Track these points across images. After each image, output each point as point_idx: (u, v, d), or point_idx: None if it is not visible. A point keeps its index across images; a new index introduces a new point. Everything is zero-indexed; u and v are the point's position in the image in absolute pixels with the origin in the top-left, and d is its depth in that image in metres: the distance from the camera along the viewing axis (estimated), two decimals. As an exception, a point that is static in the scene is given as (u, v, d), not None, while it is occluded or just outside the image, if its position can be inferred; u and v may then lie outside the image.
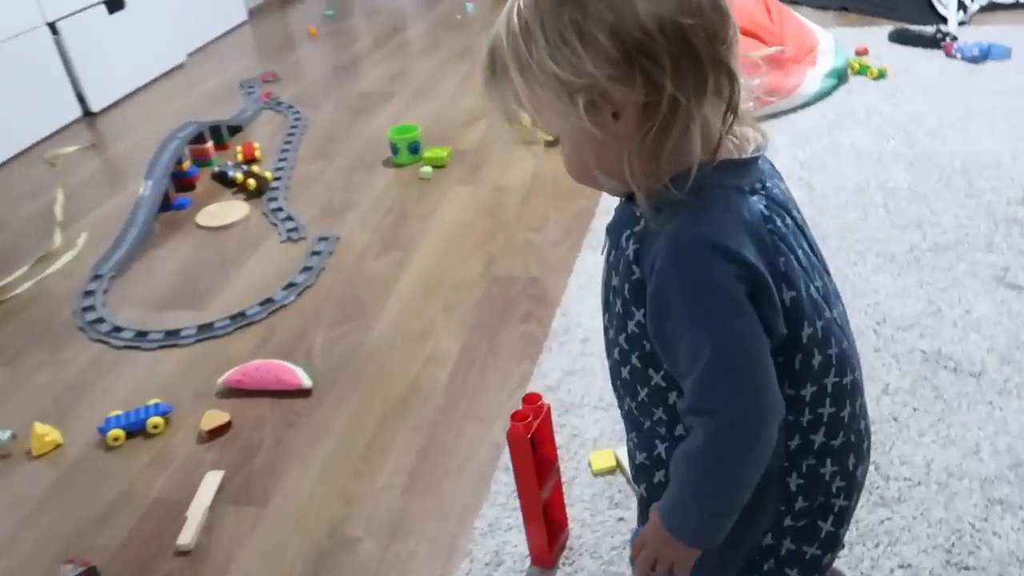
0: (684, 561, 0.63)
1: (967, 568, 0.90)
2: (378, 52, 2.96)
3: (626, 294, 0.61)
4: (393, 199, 1.88)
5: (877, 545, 0.94)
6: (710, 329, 0.56)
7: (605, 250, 0.66)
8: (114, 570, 1.04)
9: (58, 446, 1.26)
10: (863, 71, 2.21)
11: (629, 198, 0.62)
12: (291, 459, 1.19)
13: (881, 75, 2.19)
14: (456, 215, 1.79)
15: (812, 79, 2.09)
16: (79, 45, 2.52)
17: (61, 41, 2.48)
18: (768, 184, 0.62)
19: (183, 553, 1.05)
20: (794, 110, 2.04)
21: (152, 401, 1.29)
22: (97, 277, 1.68)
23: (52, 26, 2.46)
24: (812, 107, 2.06)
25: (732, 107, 0.57)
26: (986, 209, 1.55)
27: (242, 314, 1.51)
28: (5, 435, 1.26)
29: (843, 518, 0.68)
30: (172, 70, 2.94)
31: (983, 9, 2.65)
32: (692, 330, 0.56)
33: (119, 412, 1.27)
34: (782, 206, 0.61)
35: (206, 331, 1.48)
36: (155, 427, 1.25)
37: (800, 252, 0.60)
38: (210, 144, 2.14)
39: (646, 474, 0.68)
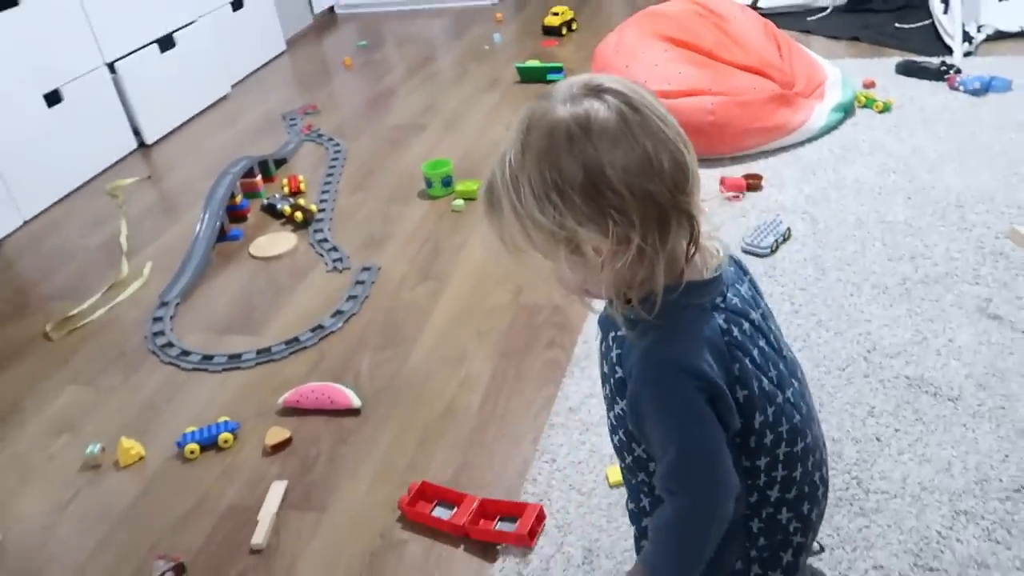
0: None
1: (932, 570, 1.04)
2: (410, 82, 3.14)
3: (612, 384, 0.76)
4: (428, 231, 2.05)
5: (855, 549, 1.08)
6: (675, 434, 0.70)
7: (599, 340, 0.80)
8: (198, 566, 1.21)
9: (141, 458, 1.44)
10: (869, 104, 2.34)
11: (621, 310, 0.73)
12: (344, 471, 1.35)
13: (886, 108, 2.32)
14: (487, 248, 1.95)
15: (819, 114, 2.23)
16: (134, 82, 2.73)
17: (118, 79, 2.69)
18: (729, 295, 0.74)
19: (256, 552, 1.22)
20: (802, 144, 2.18)
21: (221, 419, 1.47)
22: (164, 304, 1.86)
23: (111, 66, 2.67)
24: (819, 140, 2.19)
25: (694, 240, 0.69)
26: (976, 242, 1.68)
27: (296, 339, 1.68)
28: (96, 448, 1.44)
29: (801, 550, 0.81)
30: (218, 101, 3.14)
31: (990, 39, 2.77)
32: (661, 432, 0.70)
33: (194, 428, 1.45)
34: (740, 314, 0.73)
35: (264, 355, 1.65)
36: (225, 442, 1.42)
37: (755, 351, 0.73)
38: (259, 177, 2.33)
39: (635, 519, 0.84)
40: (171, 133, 2.89)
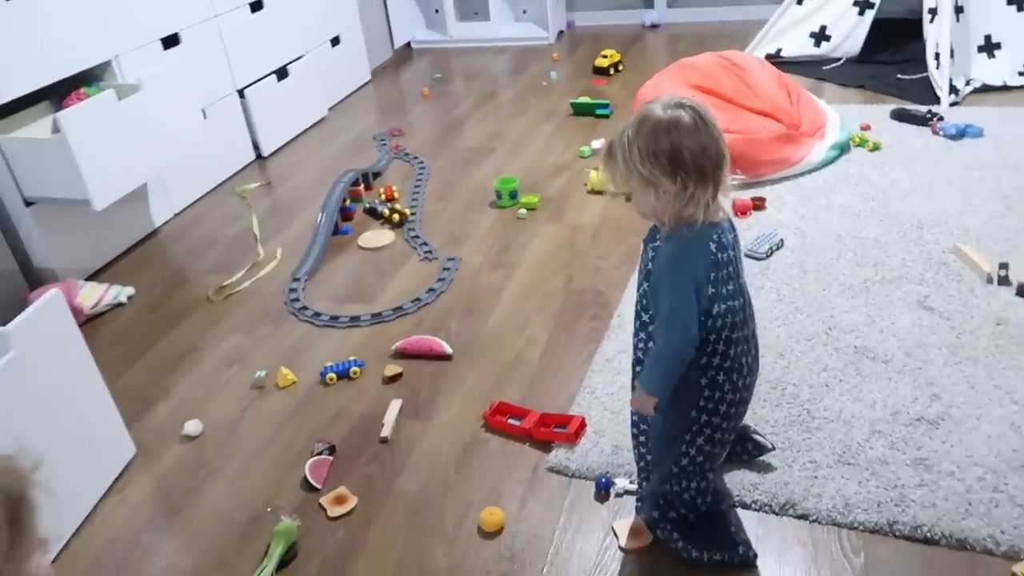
0: (648, 405, 1.28)
1: (848, 464, 1.53)
2: (478, 113, 3.70)
3: (644, 278, 1.28)
4: (498, 233, 2.59)
5: (799, 451, 1.57)
6: (671, 298, 1.20)
7: (642, 253, 1.31)
8: (344, 449, 1.75)
9: (294, 382, 1.99)
10: (862, 144, 2.84)
11: (657, 227, 1.26)
12: (443, 395, 1.88)
13: (876, 148, 2.81)
14: (544, 246, 2.48)
15: (819, 151, 2.73)
16: (257, 105, 3.33)
17: (246, 103, 3.30)
18: (722, 235, 1.24)
19: (383, 442, 1.76)
20: (802, 175, 2.68)
21: (350, 358, 2.01)
22: (296, 279, 2.43)
23: (241, 92, 3.28)
24: (817, 173, 2.69)
25: (715, 195, 1.19)
26: (927, 255, 2.17)
27: (400, 307, 2.23)
28: (262, 373, 2.00)
29: (732, 407, 1.29)
30: (318, 122, 3.75)
31: (976, 91, 3.24)
32: (664, 294, 1.21)
33: (330, 363, 2.00)
34: (724, 248, 1.23)
35: (377, 318, 2.20)
36: (354, 373, 1.97)
37: (725, 271, 1.23)
38: (361, 187, 2.90)
39: (635, 366, 1.35)
40: (282, 148, 3.50)
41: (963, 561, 1.36)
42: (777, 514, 1.48)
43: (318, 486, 1.66)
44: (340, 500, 1.62)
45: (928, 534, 1.40)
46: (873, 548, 1.40)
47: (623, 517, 1.50)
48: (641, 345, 1.33)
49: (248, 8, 3.28)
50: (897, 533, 1.41)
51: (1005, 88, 3.23)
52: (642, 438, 1.41)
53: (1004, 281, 2.00)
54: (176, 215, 2.96)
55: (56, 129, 2.47)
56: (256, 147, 3.39)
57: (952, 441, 1.57)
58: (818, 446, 1.59)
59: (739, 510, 1.48)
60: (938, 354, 1.80)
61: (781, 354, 1.85)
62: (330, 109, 3.88)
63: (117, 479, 1.75)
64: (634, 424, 1.42)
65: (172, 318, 2.33)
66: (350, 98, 4.07)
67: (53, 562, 1.54)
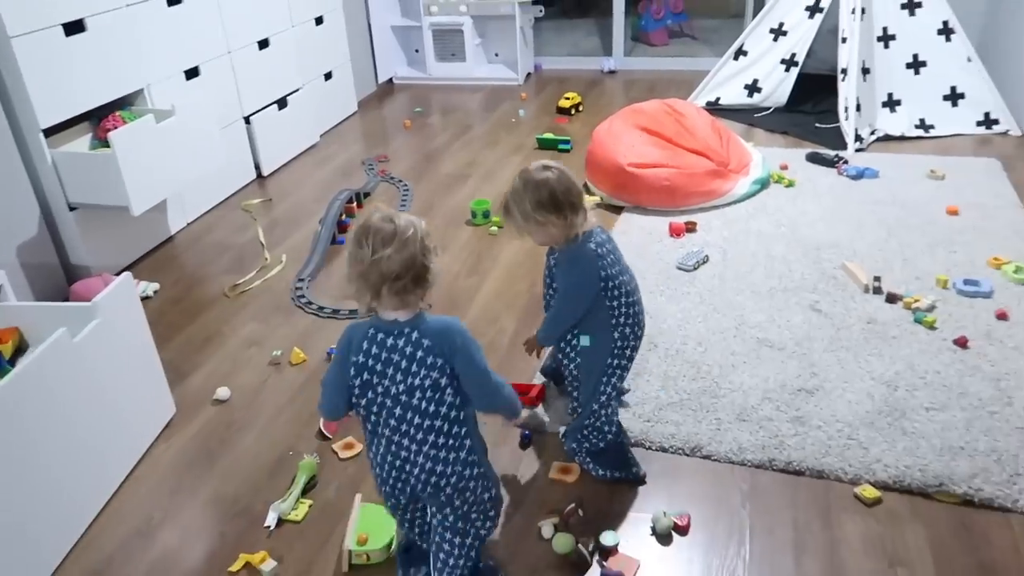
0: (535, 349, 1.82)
1: (744, 420, 2.01)
2: (455, 143, 4.18)
3: (549, 278, 1.77)
4: (473, 246, 3.05)
5: (707, 412, 2.04)
6: (564, 282, 1.72)
7: (546, 260, 1.80)
8: (351, 409, 2.17)
9: (304, 361, 2.41)
10: (780, 180, 3.38)
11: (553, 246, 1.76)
12: (428, 372, 2.32)
13: (791, 184, 3.35)
14: (512, 257, 2.95)
15: (743, 185, 3.26)
16: (260, 131, 3.76)
17: (251, 129, 3.73)
18: (595, 236, 1.72)
19: (382, 404, 2.18)
20: (728, 204, 3.20)
21: (352, 341, 2.44)
22: (300, 280, 2.86)
23: (247, 119, 3.72)
24: (740, 203, 3.21)
25: (584, 217, 1.68)
26: (820, 270, 2.68)
27: (391, 303, 2.67)
28: (278, 352, 2.42)
29: (633, 353, 1.80)
30: (311, 147, 4.19)
31: (879, 140, 3.83)
32: (562, 280, 1.72)
33: (334, 346, 2.42)
34: (601, 244, 1.72)
35: (371, 313, 2.63)
36: (356, 353, 2.39)
37: (611, 258, 1.73)
38: (355, 204, 3.34)
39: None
40: (280, 169, 3.93)
41: (821, 486, 1.83)
42: (688, 455, 1.94)
43: (330, 436, 2.08)
44: (349, 446, 2.05)
45: (797, 468, 1.88)
46: (757, 478, 1.87)
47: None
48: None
49: (256, 46, 3.73)
50: (775, 468, 1.89)
51: (903, 138, 3.81)
52: (573, 392, 1.88)
53: (877, 291, 2.53)
54: (189, 224, 3.37)
55: (94, 145, 2.90)
56: (257, 167, 3.81)
57: (822, 405, 2.06)
58: (722, 408, 2.06)
59: (661, 453, 1.94)
60: (820, 344, 2.30)
61: (700, 343, 2.34)
62: (321, 136, 4.32)
63: (162, 431, 2.14)
64: (568, 383, 1.88)
65: (195, 309, 2.74)
66: (339, 127, 4.52)
67: (115, 493, 1.93)
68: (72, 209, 2.78)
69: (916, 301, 2.44)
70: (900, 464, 1.85)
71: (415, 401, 1.37)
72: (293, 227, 3.33)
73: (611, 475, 1.86)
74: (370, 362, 1.39)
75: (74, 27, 2.71)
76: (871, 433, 1.96)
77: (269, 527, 1.81)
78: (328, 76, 4.40)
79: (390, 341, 1.38)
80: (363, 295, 1.37)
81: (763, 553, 1.68)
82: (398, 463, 1.41)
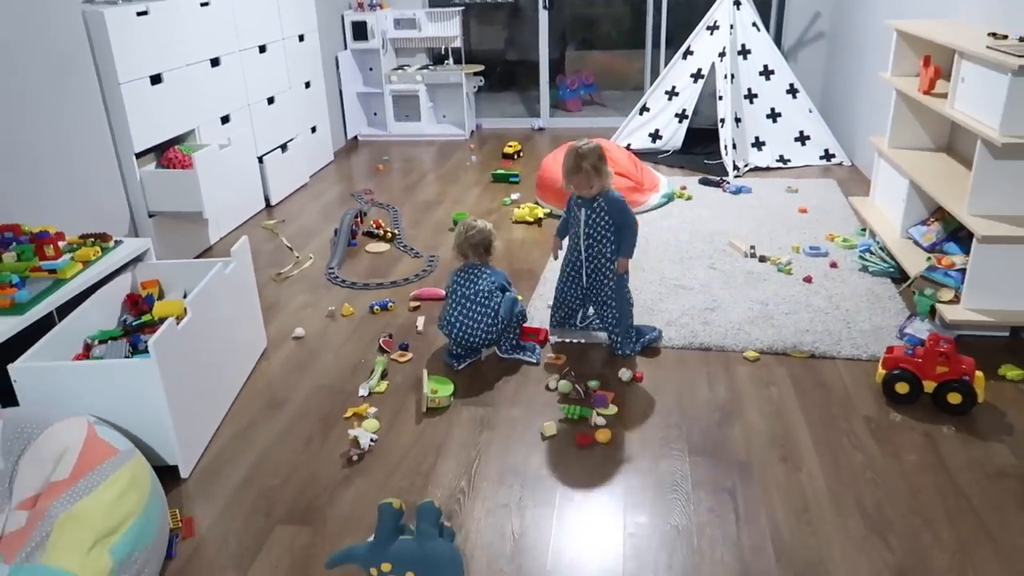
0: (625, 265, 2.77)
1: (670, 325, 3.00)
2: (424, 181, 5.16)
3: (596, 229, 2.73)
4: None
5: (648, 322, 3.04)
6: (630, 218, 2.73)
7: (580, 219, 2.76)
8: (397, 338, 3.04)
9: (352, 313, 3.26)
10: (681, 196, 4.51)
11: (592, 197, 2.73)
12: (446, 315, 3.22)
13: (689, 198, 4.48)
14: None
15: (654, 198, 4.36)
16: (270, 169, 4.64)
17: (263, 168, 4.60)
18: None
19: (419, 333, 3.06)
20: (645, 212, 4.29)
21: (387, 299, 3.32)
22: (330, 268, 3.72)
23: (260, 159, 4.59)
24: (654, 211, 4.31)
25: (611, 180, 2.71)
26: (714, 246, 3.77)
27: (407, 279, 3.57)
28: (332, 308, 3.27)
29: None
30: (303, 186, 5.07)
31: (751, 170, 5.06)
32: (629, 218, 2.72)
33: (374, 302, 3.29)
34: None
35: (393, 284, 3.52)
36: (391, 307, 3.27)
37: None
38: (359, 218, 4.25)
39: (591, 275, 2.83)
40: (283, 200, 4.79)
41: (723, 355, 2.84)
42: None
43: (388, 350, 2.94)
44: (403, 355, 2.91)
45: (707, 346, 2.88)
46: (683, 353, 2.85)
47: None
48: (591, 264, 2.78)
49: (267, 101, 4.64)
50: (694, 348, 2.88)
51: (768, 168, 5.06)
52: (608, 314, 2.81)
53: (753, 255, 3.62)
54: (222, 238, 4.17)
55: (159, 165, 3.72)
56: (267, 198, 4.66)
57: (720, 315, 3.08)
58: (657, 320, 3.06)
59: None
60: (717, 285, 3.35)
61: (637, 289, 3.34)
62: (310, 177, 5.22)
63: (260, 357, 2.95)
64: (608, 307, 2.81)
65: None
66: (321, 171, 5.43)
67: (242, 389, 2.73)
68: (151, 216, 3.58)
69: (779, 260, 3.55)
70: (770, 339, 2.89)
71: (479, 297, 2.61)
72: (308, 238, 4.19)
73: (647, 342, 2.87)
74: (456, 277, 2.76)
75: (156, 79, 3.58)
76: (752, 327, 2.99)
77: (363, 395, 2.65)
78: (314, 129, 5.33)
79: (471, 273, 2.73)
80: (461, 255, 2.79)
81: (691, 387, 2.65)
82: (458, 326, 2.74)
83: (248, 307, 2.86)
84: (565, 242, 2.90)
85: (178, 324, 2.27)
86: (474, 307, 2.71)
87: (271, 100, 4.69)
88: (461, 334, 2.73)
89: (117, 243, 2.78)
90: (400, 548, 1.80)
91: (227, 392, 2.63)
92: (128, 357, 2.35)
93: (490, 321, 2.71)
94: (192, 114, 3.87)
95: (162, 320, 2.42)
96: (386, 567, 1.79)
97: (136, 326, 2.55)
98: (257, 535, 2.03)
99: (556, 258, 2.95)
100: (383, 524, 1.83)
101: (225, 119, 4.21)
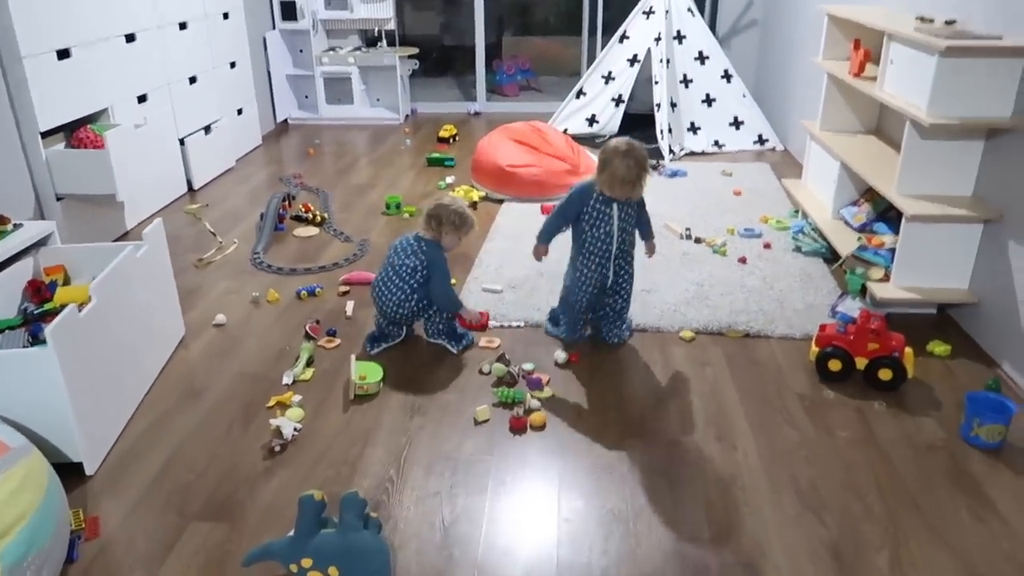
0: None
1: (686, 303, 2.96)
2: (357, 164, 5.01)
3: (631, 220, 2.60)
4: (392, 228, 3.88)
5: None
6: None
7: (617, 214, 2.58)
8: (325, 323, 2.91)
9: (278, 299, 3.12)
10: (618, 180, 4.47)
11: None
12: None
13: (626, 182, 4.45)
14: (424, 233, 3.80)
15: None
16: (192, 151, 4.42)
17: (185, 150, 4.38)
18: None
19: (348, 318, 2.94)
20: (582, 195, 4.24)
21: (315, 284, 3.18)
22: (255, 253, 3.55)
23: (182, 141, 4.37)
24: (591, 194, 4.26)
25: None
26: (661, 226, 3.74)
27: (336, 263, 3.43)
28: (256, 293, 3.12)
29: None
30: (229, 170, 4.86)
31: (686, 154, 5.06)
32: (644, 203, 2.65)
33: (300, 286, 3.16)
34: None
35: (322, 269, 3.39)
36: (319, 292, 3.14)
37: None
38: (287, 202, 4.08)
39: (619, 277, 2.69)
40: (207, 184, 4.58)
41: (659, 335, 2.80)
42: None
43: (315, 336, 2.82)
44: (331, 341, 2.79)
45: (643, 327, 2.84)
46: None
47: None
48: (620, 259, 2.63)
49: (188, 81, 4.42)
50: (632, 329, 2.84)
51: (704, 153, 5.08)
52: (620, 303, 2.69)
53: (689, 237, 3.61)
54: (140, 223, 3.96)
55: (69, 145, 3.50)
56: (189, 182, 4.45)
57: (657, 297, 3.05)
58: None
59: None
60: (653, 268, 3.31)
61: (572, 271, 3.28)
62: (237, 161, 5.01)
63: (178, 345, 2.79)
64: (621, 296, 2.69)
65: (174, 272, 3.36)
66: (249, 155, 5.22)
67: (157, 379, 2.57)
68: (59, 199, 3.36)
69: (714, 241, 3.54)
70: (705, 320, 2.87)
71: (402, 271, 2.60)
72: (233, 222, 4.01)
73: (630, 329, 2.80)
74: (395, 243, 2.69)
75: (63, 54, 3.35)
76: (687, 307, 2.97)
77: (287, 383, 2.52)
78: (240, 112, 5.12)
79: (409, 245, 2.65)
80: (427, 226, 2.65)
81: (626, 369, 2.60)
82: (377, 292, 2.66)
83: (164, 293, 2.70)
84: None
85: (81, 311, 2.10)
86: (395, 279, 2.62)
87: (193, 80, 4.47)
88: (379, 302, 2.66)
89: (16, 226, 2.58)
90: (322, 542, 1.70)
91: (140, 382, 2.47)
92: (27, 347, 2.18)
93: (403, 297, 2.61)
94: (105, 92, 3.65)
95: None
96: (307, 563, 1.69)
97: (37, 315, 2.37)
98: (169, 533, 1.90)
99: (539, 260, 2.75)
100: (304, 517, 1.72)
101: (142, 98, 3.98)
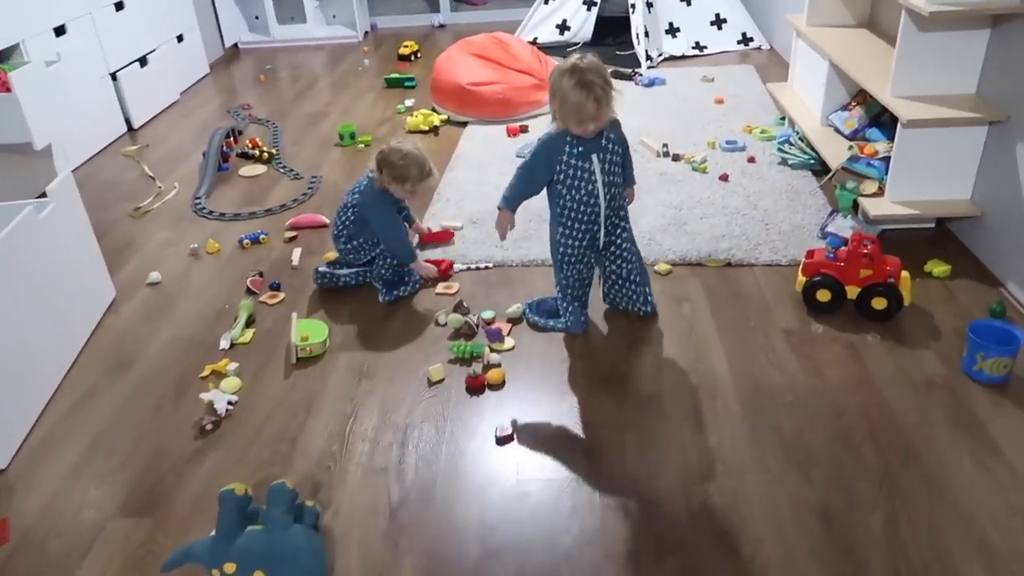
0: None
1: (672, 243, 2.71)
2: (311, 90, 4.65)
3: (617, 155, 2.15)
4: (347, 160, 3.58)
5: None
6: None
7: (599, 167, 2.12)
8: (270, 275, 2.66)
9: (219, 250, 2.86)
10: (591, 93, 4.13)
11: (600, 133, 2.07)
12: (327, 245, 2.84)
13: (599, 94, 4.11)
14: (380, 164, 3.50)
15: (561, 96, 3.98)
16: (128, 86, 4.06)
17: (118, 85, 4.02)
18: None
19: (295, 268, 2.69)
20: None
21: (258, 231, 2.92)
22: (197, 198, 3.27)
23: (113, 75, 4.00)
24: (561, 110, 3.93)
25: None
26: (636, 142, 3.44)
27: (284, 205, 3.16)
28: (195, 245, 2.85)
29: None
30: (174, 103, 4.50)
31: (665, 59, 4.69)
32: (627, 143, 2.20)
33: (244, 234, 2.89)
34: None
35: (270, 212, 3.11)
36: (263, 240, 2.88)
37: None
38: (232, 139, 3.76)
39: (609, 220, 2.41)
40: (149, 122, 4.24)
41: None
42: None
43: (256, 291, 2.57)
44: (274, 296, 2.55)
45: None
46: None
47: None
48: (611, 217, 2.13)
49: (113, 7, 4.01)
50: (600, 264, 2.60)
51: (683, 57, 4.70)
52: (630, 269, 2.23)
53: (666, 154, 3.32)
54: (74, 170, 3.64)
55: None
56: (128, 121, 4.11)
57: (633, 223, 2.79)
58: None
59: (521, 268, 2.60)
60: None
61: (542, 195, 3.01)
62: (181, 94, 4.64)
63: (108, 308, 2.54)
64: (627, 260, 2.25)
65: (104, 228, 3.08)
66: (195, 86, 4.85)
67: (83, 348, 2.34)
68: (-29, 151, 3.05)
69: (693, 158, 3.25)
70: (683, 249, 2.62)
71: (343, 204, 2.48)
72: (175, 163, 3.70)
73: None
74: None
75: (-46, -17, 2.97)
76: (664, 236, 2.72)
77: (224, 348, 2.30)
78: (180, 39, 4.71)
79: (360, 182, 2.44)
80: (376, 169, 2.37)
81: (596, 311, 2.37)
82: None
83: (83, 254, 2.44)
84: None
85: (-31, 287, 1.85)
86: (338, 215, 2.51)
87: (120, 6, 4.06)
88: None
89: (-95, 189, 2.29)
90: (247, 543, 1.51)
91: (61, 358, 2.24)
92: (-82, 330, 1.94)
93: (335, 233, 2.52)
94: (13, 24, 3.27)
95: (-42, 282, 2.00)
96: (230, 568, 1.50)
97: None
98: (86, 534, 1.71)
99: (503, 238, 2.23)
100: (225, 516, 1.52)
101: (60, 30, 3.60)
